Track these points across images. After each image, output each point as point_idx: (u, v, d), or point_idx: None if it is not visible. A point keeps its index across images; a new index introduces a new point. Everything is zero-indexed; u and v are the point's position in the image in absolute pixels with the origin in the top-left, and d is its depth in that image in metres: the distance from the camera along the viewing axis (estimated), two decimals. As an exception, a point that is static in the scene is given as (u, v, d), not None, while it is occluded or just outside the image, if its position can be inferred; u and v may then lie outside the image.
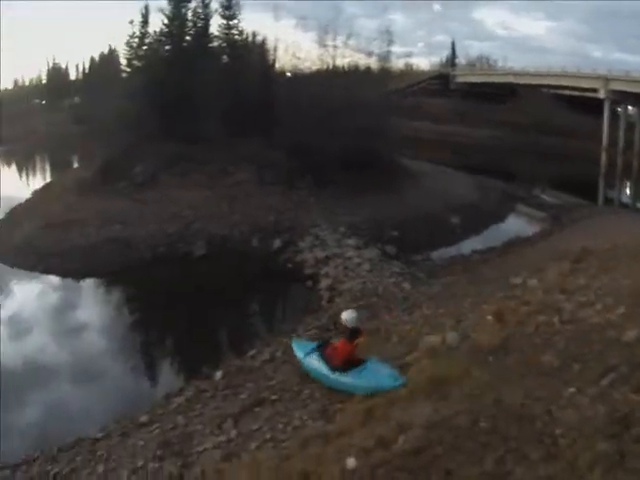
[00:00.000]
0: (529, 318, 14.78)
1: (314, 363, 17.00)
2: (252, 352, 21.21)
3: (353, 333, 16.08)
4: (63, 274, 33.23)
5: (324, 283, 29.09)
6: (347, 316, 16.33)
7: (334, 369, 16.09)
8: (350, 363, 15.82)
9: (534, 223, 43.07)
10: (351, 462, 9.59)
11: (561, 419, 9.33)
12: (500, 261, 30.58)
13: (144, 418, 17.34)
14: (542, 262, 25.02)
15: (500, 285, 22.97)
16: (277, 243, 35.28)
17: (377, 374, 15.20)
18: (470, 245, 35.50)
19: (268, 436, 14.43)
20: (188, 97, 45.78)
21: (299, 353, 18.01)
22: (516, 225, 42.55)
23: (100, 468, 14.98)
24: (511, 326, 14.51)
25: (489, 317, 16.27)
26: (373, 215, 37.56)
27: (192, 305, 27.29)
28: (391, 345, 18.73)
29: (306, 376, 17.28)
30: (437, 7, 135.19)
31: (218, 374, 19.63)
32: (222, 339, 24.59)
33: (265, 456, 12.43)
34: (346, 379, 15.73)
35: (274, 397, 16.64)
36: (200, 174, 43.16)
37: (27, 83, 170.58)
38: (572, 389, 10.16)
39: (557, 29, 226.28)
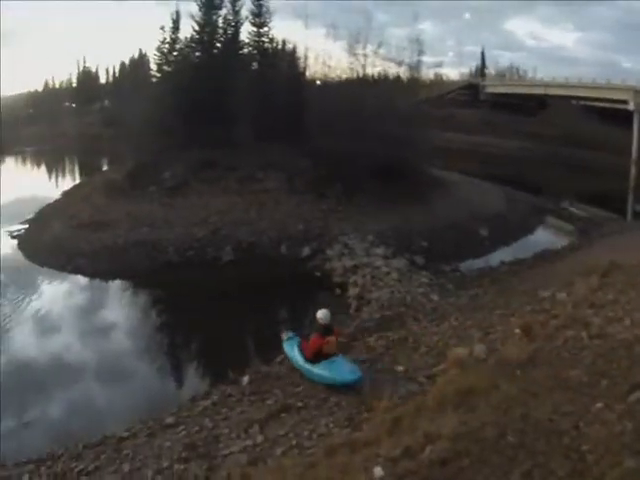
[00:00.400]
0: (557, 332, 14.77)
1: (295, 354, 19.65)
2: (279, 358, 21.18)
3: (326, 330, 18.65)
4: (92, 274, 33.68)
5: (352, 292, 29.03)
6: (321, 315, 18.84)
7: (306, 360, 18.75)
8: (320, 356, 18.31)
9: (562, 236, 42.66)
10: (378, 471, 9.63)
11: (588, 435, 9.35)
12: (529, 273, 30.33)
13: (170, 419, 17.49)
14: (571, 276, 24.86)
15: (529, 298, 22.97)
16: (306, 251, 35.24)
17: (340, 368, 17.78)
18: (498, 256, 35.16)
19: (294, 442, 14.54)
20: (218, 103, 46.12)
21: (286, 345, 20.69)
22: (544, 237, 42.37)
23: (126, 467, 15.13)
24: (539, 340, 14.50)
25: (517, 330, 16.29)
26: (402, 224, 37.33)
27: (219, 309, 27.52)
28: (419, 355, 18.86)
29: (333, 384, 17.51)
30: (467, 16, 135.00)
31: (245, 379, 19.67)
32: (249, 344, 24.61)
33: (291, 462, 12.45)
34: (314, 369, 18.34)
35: (300, 404, 16.81)
36: (229, 180, 43.41)
37: (57, 85, 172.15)
38: (600, 405, 10.18)
39: (586, 40, 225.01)
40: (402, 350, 19.85)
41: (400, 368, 17.70)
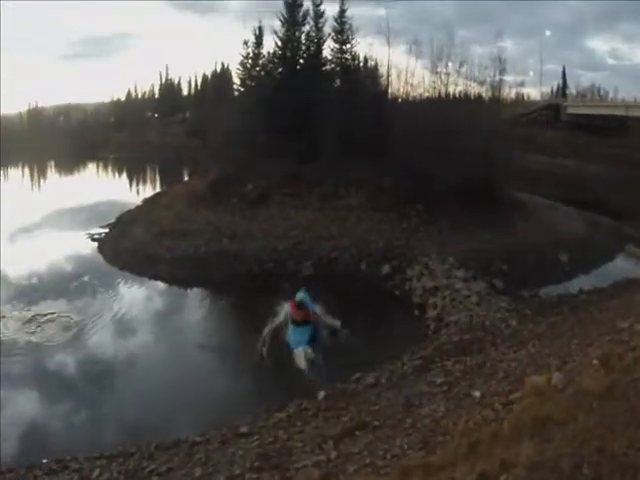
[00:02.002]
0: (635, 365, 14.60)
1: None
2: (356, 375, 21.49)
3: (299, 305, 24.21)
4: (171, 281, 34.67)
5: (431, 313, 29.23)
6: (297, 297, 24.73)
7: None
8: (296, 321, 23.82)
9: (643, 264, 42.04)
10: (453, 495, 9.77)
11: (664, 472, 9.32)
12: (608, 303, 29.63)
13: (244, 428, 17.89)
14: (650, 306, 24.60)
15: (607, 328, 22.52)
16: (386, 269, 35.44)
17: (297, 337, 23.27)
18: (578, 284, 34.65)
19: (367, 461, 14.50)
20: (301, 118, 46.53)
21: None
22: (625, 265, 41.47)
23: (197, 471, 15.53)
24: (617, 372, 14.35)
25: (595, 361, 16.18)
26: (482, 247, 37.18)
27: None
28: (496, 382, 18.77)
29: (409, 405, 17.64)
30: (548, 34, 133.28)
31: (321, 394, 19.98)
32: (325, 359, 24.65)
33: (363, 481, 12.58)
34: (289, 329, 23.99)
35: (376, 423, 16.87)
36: (311, 195, 43.74)
37: (139, 95, 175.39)
38: (676, 441, 10.12)
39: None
40: (479, 375, 19.90)
41: (477, 393, 17.64)
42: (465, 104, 57.76)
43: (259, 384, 22.74)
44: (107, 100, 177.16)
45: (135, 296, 32.73)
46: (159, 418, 19.64)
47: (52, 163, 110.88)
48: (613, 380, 13.53)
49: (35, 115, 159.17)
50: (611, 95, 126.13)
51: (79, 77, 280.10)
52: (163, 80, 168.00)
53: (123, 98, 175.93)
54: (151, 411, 20.23)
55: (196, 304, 32.08)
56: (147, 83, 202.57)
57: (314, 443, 16.22)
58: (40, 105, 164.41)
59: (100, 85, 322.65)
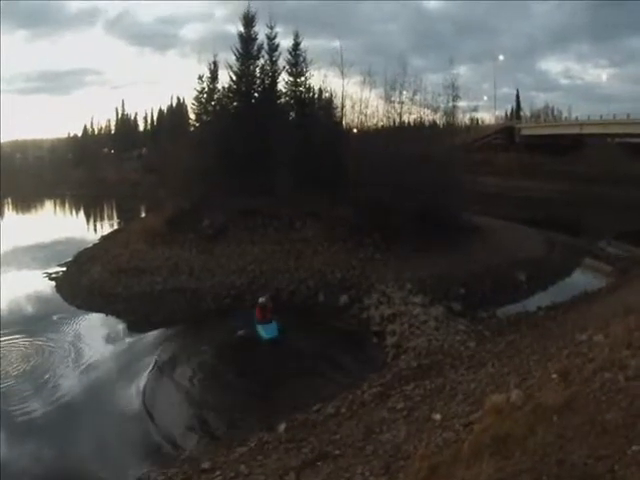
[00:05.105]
0: (594, 376, 14.52)
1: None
2: (317, 406, 21.23)
3: (263, 306, 30.28)
4: (129, 319, 34.18)
5: (390, 340, 29.14)
6: (260, 300, 30.76)
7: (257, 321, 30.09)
8: (263, 319, 29.97)
9: (601, 277, 42.39)
10: (415, 519, 9.60)
11: (624, 478, 9.15)
12: (566, 317, 29.99)
13: (206, 464, 17.55)
14: (608, 317, 24.60)
15: (565, 342, 22.54)
16: (344, 299, 35.31)
17: (266, 330, 29.39)
18: (536, 301, 35.05)
19: (329, 490, 14.27)
20: (257, 152, 46.49)
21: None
22: (582, 279, 42.00)
23: (159, 508, 15.15)
24: (576, 384, 14.28)
25: (554, 375, 16.12)
26: (439, 271, 37.35)
27: (258, 356, 27.63)
28: (456, 403, 18.67)
29: (370, 432, 17.40)
30: (501, 58, 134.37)
31: (282, 427, 19.72)
32: (286, 392, 24.24)
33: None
34: (258, 327, 29.70)
35: (337, 452, 16.65)
36: (268, 228, 43.88)
37: (96, 131, 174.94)
38: (636, 447, 9.95)
39: (620, 75, 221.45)
40: (439, 398, 19.81)
41: (437, 416, 17.52)
42: (419, 132, 57.87)
43: (218, 420, 22.29)
44: (64, 136, 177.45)
45: (94, 336, 32.09)
46: (120, 455, 19.28)
47: (9, 200, 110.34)
48: (572, 392, 13.48)
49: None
50: (565, 114, 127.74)
51: (36, 112, 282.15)
52: (119, 115, 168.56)
53: (80, 134, 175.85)
54: (113, 448, 19.82)
55: (151, 345, 31.41)
56: (104, 119, 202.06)
57: (276, 476, 15.97)
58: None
59: (57, 120, 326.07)
